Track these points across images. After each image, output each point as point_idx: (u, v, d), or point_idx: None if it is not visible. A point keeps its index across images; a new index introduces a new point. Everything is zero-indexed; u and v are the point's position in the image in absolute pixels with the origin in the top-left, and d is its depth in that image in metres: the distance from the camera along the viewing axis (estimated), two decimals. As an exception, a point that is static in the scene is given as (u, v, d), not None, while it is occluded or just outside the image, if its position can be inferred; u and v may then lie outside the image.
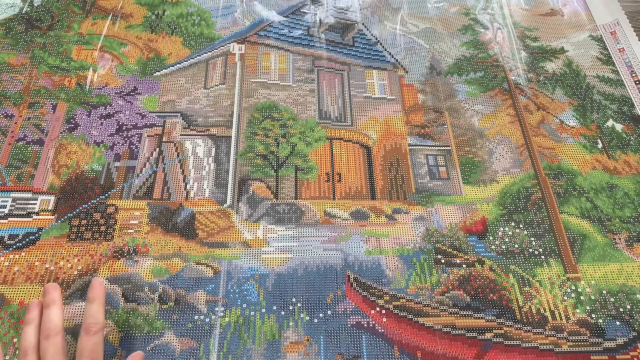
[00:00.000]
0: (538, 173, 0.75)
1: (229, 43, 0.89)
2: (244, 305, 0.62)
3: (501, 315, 0.62)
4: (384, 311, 0.62)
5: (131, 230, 0.68)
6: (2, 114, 0.78)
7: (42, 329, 0.52)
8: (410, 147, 0.80)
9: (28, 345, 0.51)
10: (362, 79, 0.88)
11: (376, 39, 0.93)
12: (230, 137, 0.79)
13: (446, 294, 0.64)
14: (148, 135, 0.79)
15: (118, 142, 0.77)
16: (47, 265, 0.64)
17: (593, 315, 0.62)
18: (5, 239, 0.66)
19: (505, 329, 0.61)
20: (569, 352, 0.59)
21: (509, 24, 0.94)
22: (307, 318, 0.61)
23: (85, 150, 0.76)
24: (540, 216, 0.71)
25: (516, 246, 0.68)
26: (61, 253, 0.66)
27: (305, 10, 0.96)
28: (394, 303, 0.63)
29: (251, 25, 0.93)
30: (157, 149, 0.78)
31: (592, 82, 0.86)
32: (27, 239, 0.67)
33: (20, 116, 0.78)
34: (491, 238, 0.69)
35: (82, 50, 0.87)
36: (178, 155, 0.77)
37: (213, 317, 0.61)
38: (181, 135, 0.79)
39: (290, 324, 0.61)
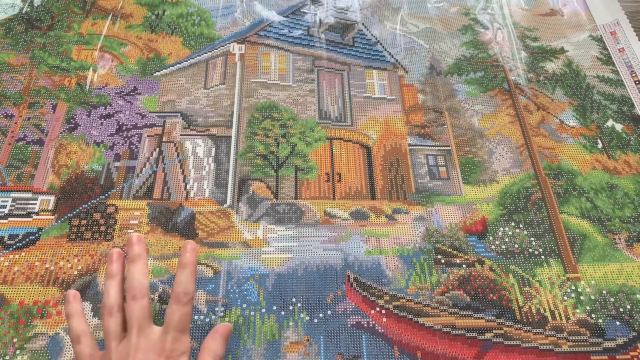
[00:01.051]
0: (538, 173, 0.75)
1: (229, 43, 0.89)
2: (244, 305, 0.62)
3: (501, 315, 0.62)
4: (384, 311, 0.62)
5: (131, 230, 0.68)
6: (2, 114, 0.78)
7: (128, 287, 0.48)
8: (410, 147, 0.80)
9: (113, 304, 0.48)
10: (362, 79, 0.88)
11: (376, 39, 0.93)
12: (230, 137, 0.79)
13: (446, 294, 0.64)
14: (148, 135, 0.79)
15: (118, 142, 0.77)
16: (47, 265, 0.64)
17: (593, 315, 0.62)
18: (5, 239, 0.66)
19: (505, 329, 0.61)
20: (569, 352, 0.59)
21: (509, 24, 0.94)
22: (307, 318, 0.61)
23: (85, 150, 0.76)
24: (540, 216, 0.71)
25: (516, 246, 0.68)
26: (61, 253, 0.66)
27: (305, 10, 0.96)
28: (394, 303, 0.63)
29: (251, 25, 0.93)
30: (157, 149, 0.78)
31: (592, 82, 0.86)
32: (27, 239, 0.67)
33: (20, 116, 0.78)
34: (491, 238, 0.69)
35: (82, 50, 0.87)
36: (178, 155, 0.77)
37: (213, 317, 0.61)
38: (181, 135, 0.79)
39: (290, 324, 0.61)
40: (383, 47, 0.92)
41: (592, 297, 0.63)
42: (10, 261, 0.65)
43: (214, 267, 0.65)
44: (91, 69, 0.85)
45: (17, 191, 0.71)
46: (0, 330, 0.59)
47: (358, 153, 0.79)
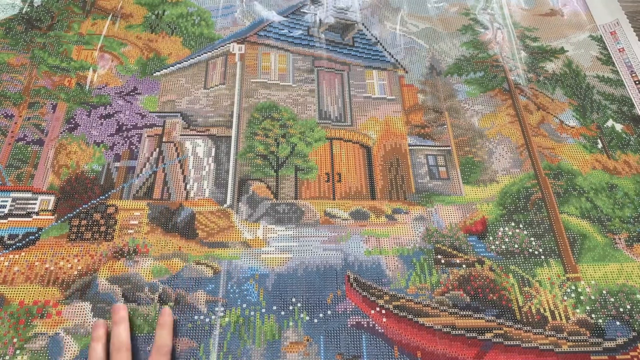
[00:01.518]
0: (538, 173, 0.75)
1: (229, 43, 0.89)
2: (244, 305, 0.62)
3: (501, 315, 0.62)
4: (384, 311, 0.62)
5: (131, 231, 0.68)
6: (2, 114, 0.78)
7: (113, 343, 0.56)
8: (410, 147, 0.80)
9: (100, 359, 0.55)
10: (362, 79, 0.88)
11: (376, 39, 0.93)
12: (230, 137, 0.79)
13: (446, 294, 0.64)
14: (148, 135, 0.79)
15: (118, 142, 0.77)
16: (47, 265, 0.64)
17: (593, 316, 0.62)
18: (5, 239, 0.66)
19: (505, 329, 0.61)
20: (569, 352, 0.59)
21: (509, 24, 0.94)
22: (307, 318, 0.61)
23: (85, 150, 0.76)
24: (540, 216, 0.71)
25: (516, 246, 0.68)
26: (61, 253, 0.66)
27: (305, 10, 0.96)
28: (393, 303, 0.63)
29: (251, 25, 0.93)
30: (157, 149, 0.78)
31: (592, 82, 0.86)
32: (27, 239, 0.67)
33: (20, 116, 0.78)
34: (491, 238, 0.69)
35: (82, 50, 0.87)
36: (178, 155, 0.77)
37: (213, 317, 0.61)
38: (181, 135, 0.79)
39: (290, 324, 0.61)
40: (383, 47, 0.92)
41: (592, 297, 0.63)
42: (10, 261, 0.65)
43: (214, 267, 0.65)
44: (91, 69, 0.85)
45: (17, 191, 0.71)
46: (0, 330, 0.59)
47: (358, 153, 0.79)
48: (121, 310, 0.59)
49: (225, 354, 0.58)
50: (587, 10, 0.96)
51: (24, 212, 0.69)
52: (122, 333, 0.57)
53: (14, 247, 0.66)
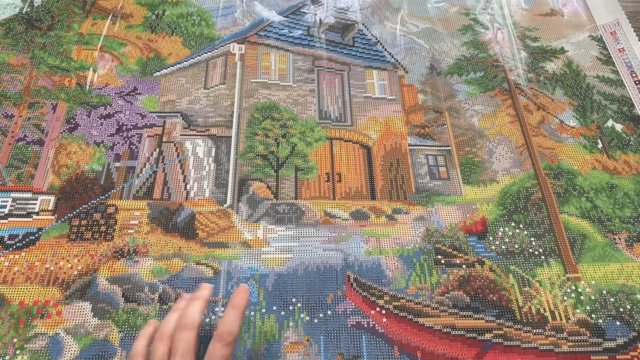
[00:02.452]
0: (538, 173, 0.75)
1: (229, 43, 0.89)
2: (244, 306, 0.62)
3: (501, 315, 0.62)
4: (384, 311, 0.62)
5: (131, 231, 0.68)
6: (2, 114, 0.78)
7: (180, 317, 0.50)
8: (410, 147, 0.80)
9: (166, 331, 0.50)
10: (362, 79, 0.88)
11: (376, 39, 0.93)
12: (230, 137, 0.79)
13: (446, 295, 0.64)
14: (148, 136, 0.79)
15: (118, 142, 0.77)
16: (47, 265, 0.64)
17: (593, 316, 0.62)
18: (5, 239, 0.66)
19: (505, 329, 0.61)
20: (569, 352, 0.59)
21: (509, 24, 0.94)
22: (307, 318, 0.61)
23: (85, 150, 0.76)
24: (540, 216, 0.71)
25: (516, 246, 0.68)
26: (61, 253, 0.66)
27: (305, 10, 0.96)
28: (394, 303, 0.63)
29: (251, 25, 0.93)
30: (157, 149, 0.78)
31: (592, 82, 0.86)
32: (27, 239, 0.67)
33: (20, 116, 0.78)
34: (491, 238, 0.69)
35: (82, 50, 0.87)
36: (178, 155, 0.77)
37: (213, 317, 0.61)
38: (181, 135, 0.79)
39: (290, 324, 0.61)
40: (383, 47, 0.92)
41: (592, 297, 0.63)
42: (10, 261, 0.65)
43: (214, 267, 0.65)
44: (91, 69, 0.85)
45: (17, 191, 0.71)
46: (0, 330, 0.59)
47: (358, 153, 0.79)
48: (205, 290, 0.54)
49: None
50: (587, 10, 0.96)
51: (24, 212, 0.69)
52: (195, 310, 0.51)
53: (14, 247, 0.66)
